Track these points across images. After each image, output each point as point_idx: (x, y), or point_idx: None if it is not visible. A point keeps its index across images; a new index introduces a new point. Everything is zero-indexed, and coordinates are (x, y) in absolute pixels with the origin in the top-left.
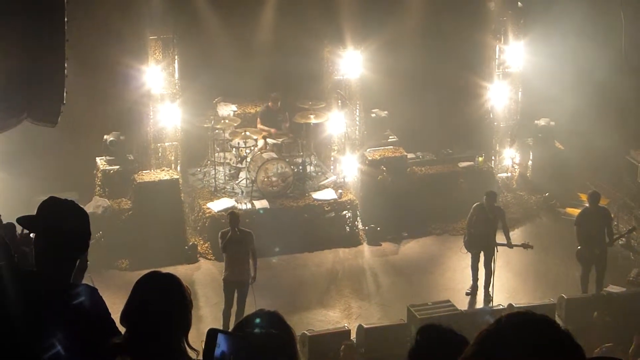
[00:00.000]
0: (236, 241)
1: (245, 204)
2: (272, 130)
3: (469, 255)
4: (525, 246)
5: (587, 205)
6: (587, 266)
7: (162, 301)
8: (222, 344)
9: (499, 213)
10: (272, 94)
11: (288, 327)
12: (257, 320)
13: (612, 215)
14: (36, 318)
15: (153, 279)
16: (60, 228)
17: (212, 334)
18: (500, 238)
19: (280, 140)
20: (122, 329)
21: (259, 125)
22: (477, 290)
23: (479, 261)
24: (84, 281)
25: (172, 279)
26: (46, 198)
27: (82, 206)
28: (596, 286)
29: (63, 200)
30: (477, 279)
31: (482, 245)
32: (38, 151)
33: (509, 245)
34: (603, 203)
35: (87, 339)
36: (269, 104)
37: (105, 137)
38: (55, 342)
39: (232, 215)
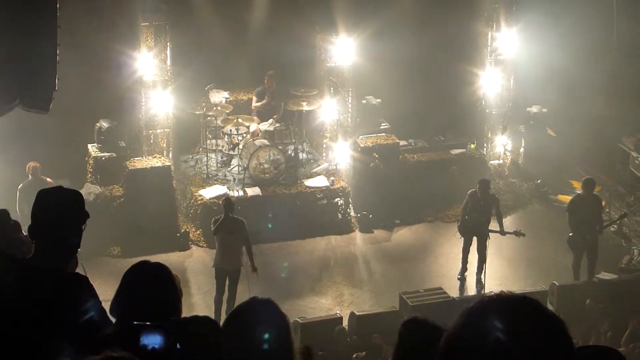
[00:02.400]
0: (228, 228)
1: (238, 191)
2: (265, 100)
3: (462, 240)
4: (517, 234)
5: (580, 192)
6: (578, 253)
7: (150, 290)
8: (147, 339)
9: (492, 200)
10: (268, 72)
11: (282, 314)
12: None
13: (603, 203)
14: (27, 306)
15: (142, 269)
16: (47, 214)
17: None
18: (493, 225)
19: (273, 125)
20: (113, 319)
21: (254, 104)
22: (465, 272)
23: (470, 245)
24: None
25: (161, 268)
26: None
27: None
28: (588, 273)
29: (51, 188)
30: (467, 262)
31: (475, 232)
32: (29, 138)
33: (502, 232)
34: (596, 190)
35: (78, 328)
36: (265, 81)
37: (97, 124)
38: (46, 331)
39: (227, 201)
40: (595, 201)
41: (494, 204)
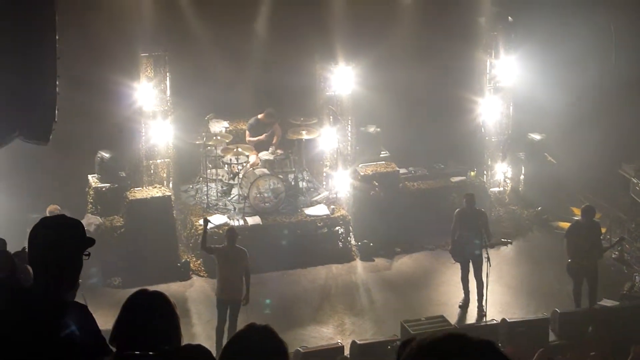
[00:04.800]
0: (230, 258)
1: (238, 220)
2: (262, 136)
3: (459, 268)
4: (504, 242)
5: (579, 218)
6: (578, 279)
7: (150, 319)
8: None
9: (480, 215)
10: (268, 108)
11: (281, 341)
12: None
13: (604, 230)
14: (26, 335)
15: (140, 297)
16: (47, 242)
17: None
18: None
19: (273, 154)
20: (113, 348)
21: (248, 138)
22: (469, 302)
23: (469, 272)
24: (76, 299)
25: (158, 296)
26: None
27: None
28: (589, 300)
29: (53, 217)
30: (469, 291)
31: (468, 252)
32: (29, 169)
33: (490, 244)
34: (596, 217)
35: (77, 357)
36: (259, 116)
37: (98, 154)
38: None
39: (231, 231)
40: (594, 228)
41: (482, 218)
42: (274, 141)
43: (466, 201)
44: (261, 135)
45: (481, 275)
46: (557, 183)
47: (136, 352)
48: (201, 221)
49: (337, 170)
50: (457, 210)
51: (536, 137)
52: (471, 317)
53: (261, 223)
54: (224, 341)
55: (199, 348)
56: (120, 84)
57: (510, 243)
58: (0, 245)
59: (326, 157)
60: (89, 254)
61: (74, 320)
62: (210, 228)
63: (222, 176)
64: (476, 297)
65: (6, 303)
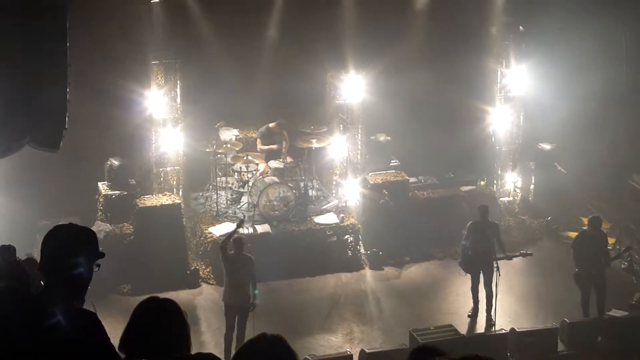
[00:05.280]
0: (238, 266)
1: (247, 228)
2: (274, 146)
3: (469, 277)
4: (524, 255)
5: (586, 228)
6: (586, 289)
7: (159, 326)
8: None
9: (493, 227)
10: (280, 119)
11: (292, 351)
12: None
13: (613, 240)
14: (35, 342)
15: (149, 304)
16: (58, 250)
17: None
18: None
19: (283, 163)
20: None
21: (259, 146)
22: (478, 312)
23: (479, 282)
24: (85, 306)
25: (169, 304)
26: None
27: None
28: (597, 309)
29: (63, 225)
30: (478, 301)
31: (481, 264)
32: (40, 176)
33: (508, 257)
34: (605, 227)
35: None
36: (270, 125)
37: (108, 162)
38: None
39: (238, 240)
40: (601, 237)
41: (495, 230)
42: (284, 148)
43: (480, 213)
44: (272, 144)
45: (491, 285)
46: (567, 193)
47: None
48: (212, 229)
49: (347, 178)
50: (470, 222)
51: (546, 146)
52: (480, 326)
53: (270, 231)
54: (233, 349)
55: (211, 357)
56: (131, 91)
57: (531, 254)
58: (10, 252)
59: (336, 166)
60: (99, 265)
61: (83, 327)
62: (237, 231)
63: (232, 184)
64: (485, 307)
65: (15, 309)
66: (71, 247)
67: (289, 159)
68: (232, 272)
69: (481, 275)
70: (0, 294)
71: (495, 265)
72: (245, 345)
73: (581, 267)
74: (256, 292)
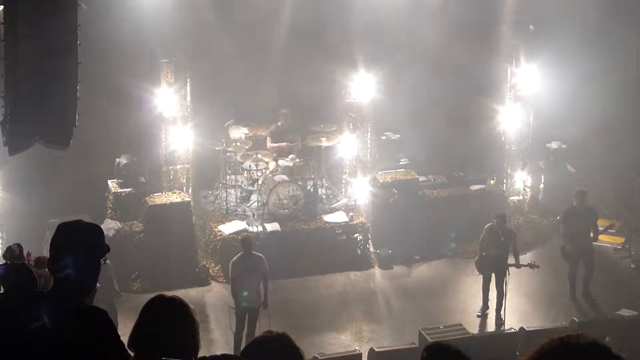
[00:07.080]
0: (249, 267)
1: (257, 226)
2: (284, 144)
3: (481, 277)
4: (531, 266)
5: (574, 203)
6: (573, 263)
7: (167, 324)
8: None
9: (510, 235)
10: (281, 111)
11: (297, 348)
12: None
13: (622, 240)
14: (44, 340)
15: (158, 303)
16: (65, 247)
17: None
18: (510, 259)
19: (292, 161)
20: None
21: (270, 144)
22: (487, 311)
23: (490, 282)
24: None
25: (177, 301)
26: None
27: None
28: (584, 283)
29: (71, 222)
30: (488, 300)
31: (493, 267)
32: (50, 174)
33: (517, 265)
34: (615, 226)
35: None
36: (278, 122)
37: (117, 159)
38: None
39: (245, 241)
40: (589, 212)
41: (511, 238)
42: (295, 146)
43: (497, 222)
44: (282, 142)
45: (502, 286)
46: None
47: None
48: (221, 227)
49: (356, 177)
50: (488, 225)
51: (556, 146)
52: (490, 325)
53: (280, 229)
54: (242, 347)
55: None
56: (141, 90)
57: (538, 267)
58: (16, 250)
59: (345, 164)
60: (105, 259)
61: (93, 324)
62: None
63: (242, 182)
64: (495, 306)
65: (24, 308)
66: (77, 243)
67: (296, 159)
68: (242, 273)
69: (493, 276)
70: (8, 293)
71: (508, 271)
72: (252, 343)
73: (569, 241)
74: (245, 294)
